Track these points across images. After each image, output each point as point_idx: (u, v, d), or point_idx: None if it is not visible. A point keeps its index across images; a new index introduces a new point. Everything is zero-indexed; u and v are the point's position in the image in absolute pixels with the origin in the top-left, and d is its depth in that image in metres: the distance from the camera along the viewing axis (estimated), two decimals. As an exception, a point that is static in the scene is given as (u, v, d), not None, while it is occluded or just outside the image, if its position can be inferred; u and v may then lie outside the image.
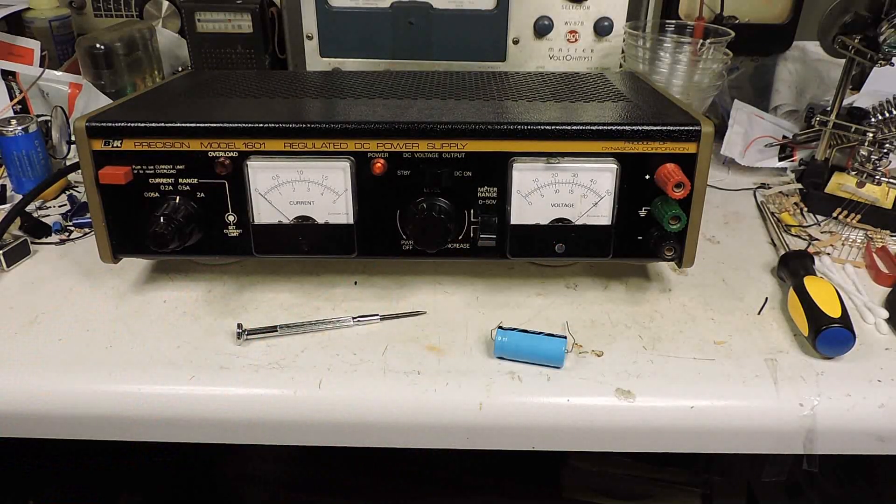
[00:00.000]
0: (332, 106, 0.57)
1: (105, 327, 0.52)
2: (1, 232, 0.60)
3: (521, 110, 0.54)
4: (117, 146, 0.50)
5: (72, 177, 0.76)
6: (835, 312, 0.50)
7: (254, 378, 0.47)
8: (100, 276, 0.59)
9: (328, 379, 0.47)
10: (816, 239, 0.68)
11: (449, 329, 0.53)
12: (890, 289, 0.58)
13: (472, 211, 0.52)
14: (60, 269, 0.61)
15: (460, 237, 0.53)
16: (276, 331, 0.51)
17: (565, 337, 0.49)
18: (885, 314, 0.54)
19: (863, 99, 0.84)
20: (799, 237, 0.69)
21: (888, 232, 0.69)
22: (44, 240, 0.66)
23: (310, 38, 0.83)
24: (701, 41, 0.78)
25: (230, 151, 0.50)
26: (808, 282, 0.53)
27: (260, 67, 0.88)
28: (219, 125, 0.50)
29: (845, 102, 0.76)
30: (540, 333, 0.49)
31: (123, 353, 0.50)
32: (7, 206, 0.71)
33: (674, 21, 0.84)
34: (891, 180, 0.71)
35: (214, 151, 0.50)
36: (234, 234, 0.53)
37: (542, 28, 0.82)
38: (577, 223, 0.52)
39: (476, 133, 0.50)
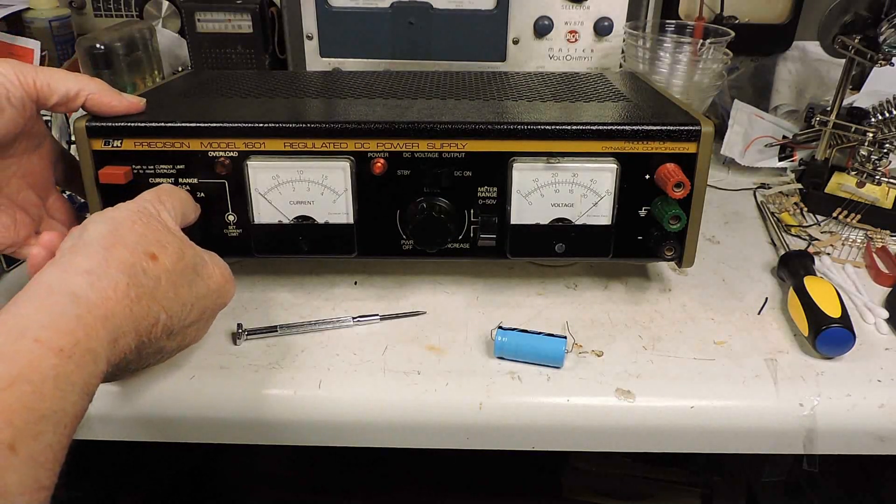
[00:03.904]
0: (332, 106, 0.57)
1: (105, 327, 0.52)
2: (1, 232, 0.60)
3: (521, 110, 0.54)
4: (117, 146, 0.50)
5: (72, 177, 0.76)
6: (835, 312, 0.50)
7: (254, 378, 0.47)
8: (100, 276, 0.59)
9: (328, 379, 0.47)
10: (816, 239, 0.68)
11: (449, 329, 0.53)
12: (890, 289, 0.58)
13: (472, 211, 0.52)
14: (60, 269, 0.61)
15: (460, 237, 0.53)
16: (276, 331, 0.51)
17: (565, 337, 0.49)
18: (885, 314, 0.54)
19: (863, 99, 0.84)
20: (799, 237, 0.69)
21: (888, 232, 0.69)
22: (44, 240, 0.66)
23: (310, 38, 0.83)
24: (701, 41, 0.78)
25: (230, 151, 0.50)
26: (808, 282, 0.53)
27: (260, 67, 0.88)
28: (219, 125, 0.50)
29: (845, 102, 0.76)
30: (540, 333, 0.49)
31: (123, 353, 0.49)
32: (7, 206, 0.71)
33: (674, 21, 0.84)
34: (891, 180, 0.71)
35: (214, 151, 0.50)
36: (234, 234, 0.53)
37: (542, 28, 0.82)
38: (577, 223, 0.52)
39: (476, 133, 0.50)
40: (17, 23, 0.94)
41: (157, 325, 0.37)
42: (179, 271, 0.39)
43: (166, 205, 0.43)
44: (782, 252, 0.62)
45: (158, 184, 0.51)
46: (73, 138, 0.73)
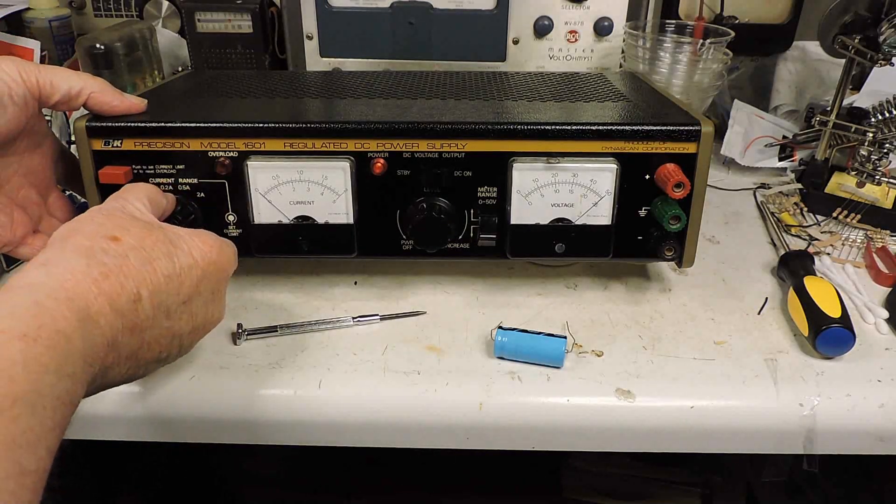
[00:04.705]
0: (332, 106, 0.57)
1: (105, 327, 0.52)
2: (1, 232, 0.60)
3: (521, 110, 0.54)
4: (117, 146, 0.50)
5: (72, 177, 0.76)
6: (835, 312, 0.50)
7: (254, 378, 0.47)
8: (100, 276, 0.59)
9: (328, 379, 0.47)
10: (816, 239, 0.68)
11: (449, 329, 0.53)
12: (890, 289, 0.58)
13: (472, 211, 0.52)
14: (60, 269, 0.61)
15: (460, 237, 0.53)
16: (276, 331, 0.51)
17: (565, 337, 0.49)
18: (885, 314, 0.54)
19: (863, 99, 0.84)
20: (799, 237, 0.69)
21: (888, 232, 0.69)
22: (44, 240, 0.66)
23: (310, 38, 0.83)
24: (701, 41, 0.78)
25: (230, 151, 0.50)
26: (808, 282, 0.53)
27: (260, 67, 0.88)
28: (219, 125, 0.50)
29: (845, 102, 0.76)
30: (540, 333, 0.49)
31: (123, 353, 0.49)
32: (7, 206, 0.71)
33: (674, 21, 0.84)
34: (891, 180, 0.71)
35: (214, 151, 0.50)
36: (234, 234, 0.53)
37: (542, 28, 0.82)
38: (577, 223, 0.52)
39: (476, 133, 0.50)
40: (17, 23, 0.94)
41: (139, 302, 0.36)
42: (150, 246, 0.38)
43: (129, 198, 0.44)
44: (782, 252, 0.62)
45: (159, 184, 0.51)
46: (72, 138, 0.73)
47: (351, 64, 0.85)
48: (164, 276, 0.38)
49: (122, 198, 0.44)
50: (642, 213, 0.52)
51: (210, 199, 0.52)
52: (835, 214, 0.72)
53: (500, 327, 0.50)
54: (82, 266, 0.35)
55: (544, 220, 0.52)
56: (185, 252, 0.40)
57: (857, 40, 0.70)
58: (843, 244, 0.67)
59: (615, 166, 0.50)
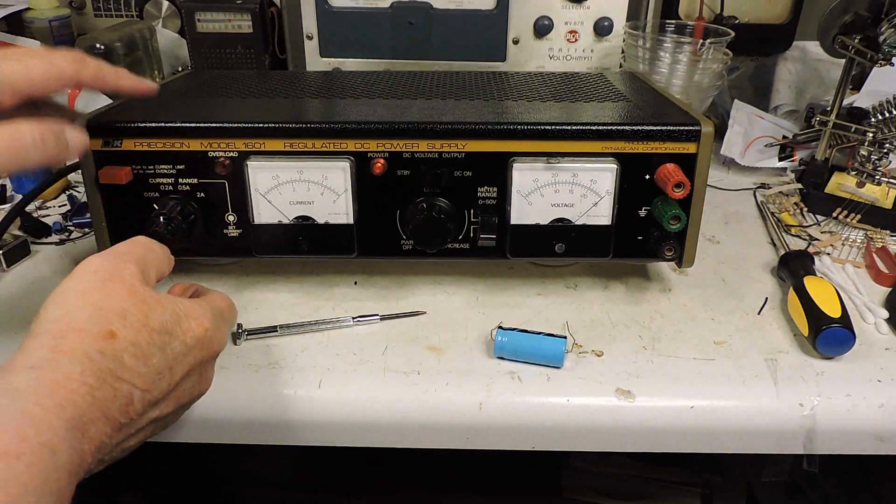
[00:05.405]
0: (332, 106, 0.57)
1: (105, 327, 0.52)
2: (1, 232, 0.60)
3: (521, 110, 0.54)
4: (117, 146, 0.50)
5: (72, 177, 0.76)
6: (835, 312, 0.50)
7: (254, 378, 0.47)
8: (100, 276, 0.59)
9: (328, 379, 0.47)
10: (816, 239, 0.68)
11: (449, 329, 0.53)
12: (890, 289, 0.58)
13: (472, 211, 0.52)
14: (60, 269, 0.61)
15: (460, 237, 0.53)
16: (276, 331, 0.51)
17: (565, 337, 0.49)
18: (885, 314, 0.54)
19: (863, 99, 0.84)
20: (799, 237, 0.69)
21: (888, 232, 0.69)
22: (44, 240, 0.66)
23: (310, 38, 0.83)
24: (701, 41, 0.78)
25: (230, 151, 0.50)
26: (808, 282, 0.53)
27: (260, 67, 0.88)
28: (219, 125, 0.50)
29: (845, 102, 0.76)
30: (540, 333, 0.49)
31: (123, 353, 0.49)
32: (7, 206, 0.71)
33: (674, 21, 0.84)
34: (891, 180, 0.71)
35: (214, 151, 0.50)
36: (234, 234, 0.53)
37: (542, 28, 0.82)
38: (577, 223, 0.52)
39: (476, 133, 0.50)
40: (17, 23, 0.94)
41: (131, 404, 0.34)
42: (146, 341, 0.36)
43: (135, 258, 0.39)
44: (782, 252, 0.62)
45: (159, 184, 0.51)
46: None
47: (351, 64, 0.85)
48: (157, 373, 0.36)
49: (129, 257, 0.39)
50: (642, 213, 0.52)
51: (210, 199, 0.52)
52: (835, 214, 0.72)
53: (500, 327, 0.50)
54: (76, 373, 0.32)
55: (544, 220, 0.52)
56: (180, 340, 0.38)
57: (857, 40, 0.70)
58: (843, 244, 0.67)
59: (615, 166, 0.50)
